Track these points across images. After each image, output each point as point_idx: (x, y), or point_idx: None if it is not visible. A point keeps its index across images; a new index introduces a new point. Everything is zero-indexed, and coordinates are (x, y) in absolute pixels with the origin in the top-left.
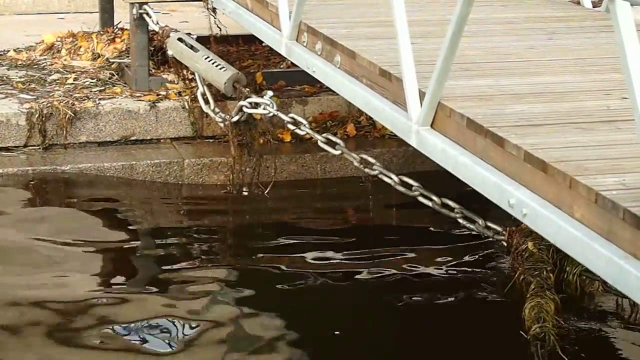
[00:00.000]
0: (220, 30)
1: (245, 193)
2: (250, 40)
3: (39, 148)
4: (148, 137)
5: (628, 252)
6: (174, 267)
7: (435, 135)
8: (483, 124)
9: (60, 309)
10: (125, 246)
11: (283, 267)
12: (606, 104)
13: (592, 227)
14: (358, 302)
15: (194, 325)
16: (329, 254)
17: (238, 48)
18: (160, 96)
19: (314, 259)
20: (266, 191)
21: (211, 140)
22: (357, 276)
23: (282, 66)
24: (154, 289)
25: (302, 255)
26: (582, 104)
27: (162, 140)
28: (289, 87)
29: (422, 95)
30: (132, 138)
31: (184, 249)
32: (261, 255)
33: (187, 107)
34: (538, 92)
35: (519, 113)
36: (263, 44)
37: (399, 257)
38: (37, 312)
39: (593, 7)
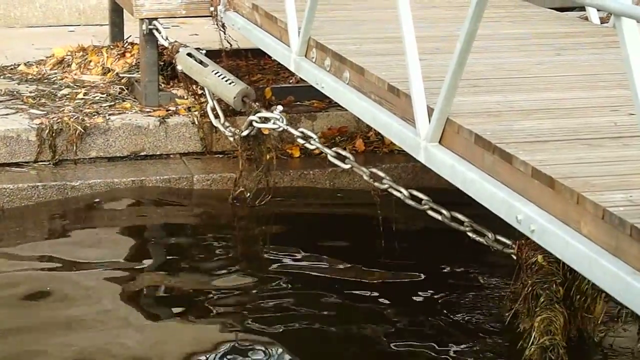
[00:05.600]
0: (231, 45)
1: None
2: (260, 54)
3: (49, 163)
4: (157, 153)
5: (635, 268)
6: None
7: (444, 152)
8: (491, 140)
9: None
10: None
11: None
12: (613, 120)
13: (600, 243)
14: (361, 312)
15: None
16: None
17: (247, 62)
18: (169, 112)
19: (318, 267)
20: (267, 199)
21: (220, 156)
22: (361, 287)
23: (291, 81)
24: None
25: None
26: (589, 120)
27: (171, 156)
28: (298, 102)
29: (430, 111)
30: (142, 153)
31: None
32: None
33: (196, 122)
34: (546, 108)
35: (527, 129)
36: (272, 58)
37: (404, 271)
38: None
39: (601, 22)
